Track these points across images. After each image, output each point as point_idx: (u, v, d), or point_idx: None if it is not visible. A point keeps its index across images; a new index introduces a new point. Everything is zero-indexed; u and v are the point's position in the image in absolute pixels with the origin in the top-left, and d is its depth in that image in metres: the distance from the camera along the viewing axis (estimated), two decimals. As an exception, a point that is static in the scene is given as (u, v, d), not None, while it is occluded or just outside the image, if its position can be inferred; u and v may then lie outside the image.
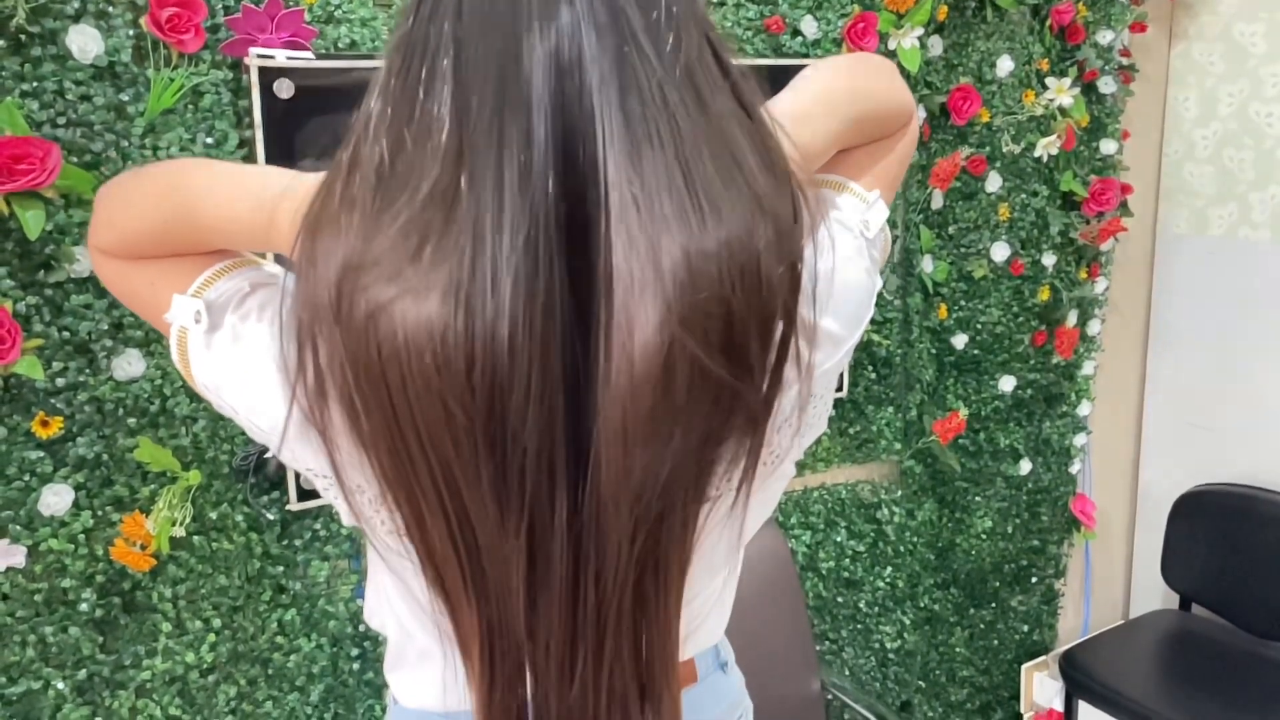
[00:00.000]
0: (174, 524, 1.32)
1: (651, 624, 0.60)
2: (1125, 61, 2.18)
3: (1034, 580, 2.35)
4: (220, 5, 1.29)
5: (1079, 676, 2.16)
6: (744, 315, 0.54)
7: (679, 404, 0.53)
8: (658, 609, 0.60)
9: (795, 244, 0.57)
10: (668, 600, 0.61)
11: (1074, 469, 2.35)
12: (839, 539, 2.03)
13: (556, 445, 0.54)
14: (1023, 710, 2.38)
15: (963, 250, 2.05)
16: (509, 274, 0.51)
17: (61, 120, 1.21)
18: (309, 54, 1.33)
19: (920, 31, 1.80)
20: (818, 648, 2.01)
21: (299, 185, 0.65)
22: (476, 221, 0.52)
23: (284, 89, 1.32)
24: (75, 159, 1.22)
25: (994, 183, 2.03)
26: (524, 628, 0.59)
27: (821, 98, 0.71)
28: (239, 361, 0.68)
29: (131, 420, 1.30)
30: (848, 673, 2.09)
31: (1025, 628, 2.37)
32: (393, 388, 0.53)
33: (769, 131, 0.60)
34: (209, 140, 1.31)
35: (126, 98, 1.25)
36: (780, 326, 0.57)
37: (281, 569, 1.45)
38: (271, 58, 1.30)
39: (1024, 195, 2.09)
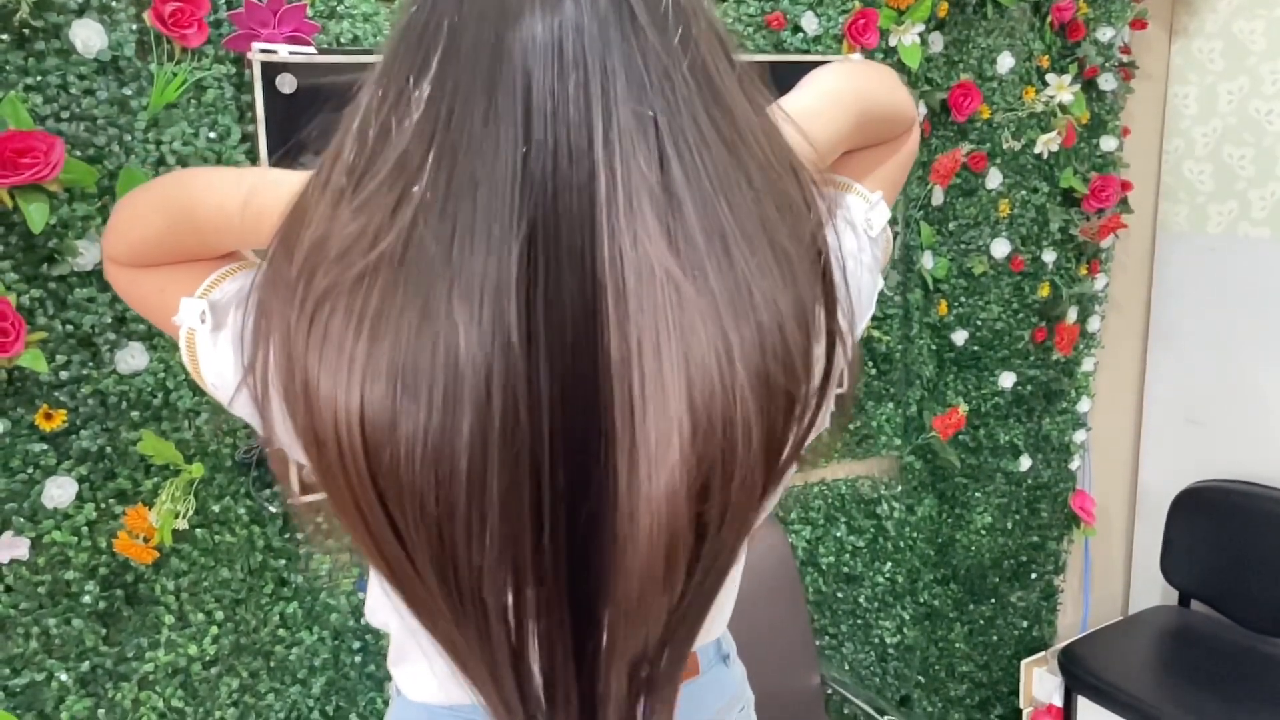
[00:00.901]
0: (176, 517, 1.32)
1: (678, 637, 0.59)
2: (1125, 58, 2.18)
3: (1033, 576, 2.35)
4: (223, 0, 1.30)
5: (1078, 672, 2.16)
6: (786, 327, 0.51)
7: (737, 456, 0.49)
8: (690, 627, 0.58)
9: (820, 238, 0.56)
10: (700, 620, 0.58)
11: (1073, 465, 2.36)
12: (839, 534, 2.03)
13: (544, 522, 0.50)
14: (1022, 705, 2.39)
15: (963, 246, 2.06)
16: (516, 293, 0.49)
17: (65, 114, 1.22)
18: (311, 49, 1.33)
19: (921, 28, 1.81)
20: (817, 642, 2.01)
21: (290, 178, 0.66)
22: (441, 207, 0.50)
23: (286, 84, 1.32)
24: (79, 153, 1.23)
25: (994, 179, 2.03)
26: (512, 651, 0.55)
27: (828, 98, 0.72)
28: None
29: (135, 413, 1.31)
30: (847, 667, 2.09)
31: (1025, 623, 2.38)
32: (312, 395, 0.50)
33: (775, 127, 0.60)
34: (212, 135, 1.31)
35: (130, 92, 1.26)
36: (824, 329, 0.55)
37: (283, 562, 1.45)
38: (274, 53, 1.31)
39: (1024, 192, 2.09)
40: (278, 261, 0.55)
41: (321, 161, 0.57)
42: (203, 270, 0.73)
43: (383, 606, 0.84)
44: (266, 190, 0.66)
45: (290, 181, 0.65)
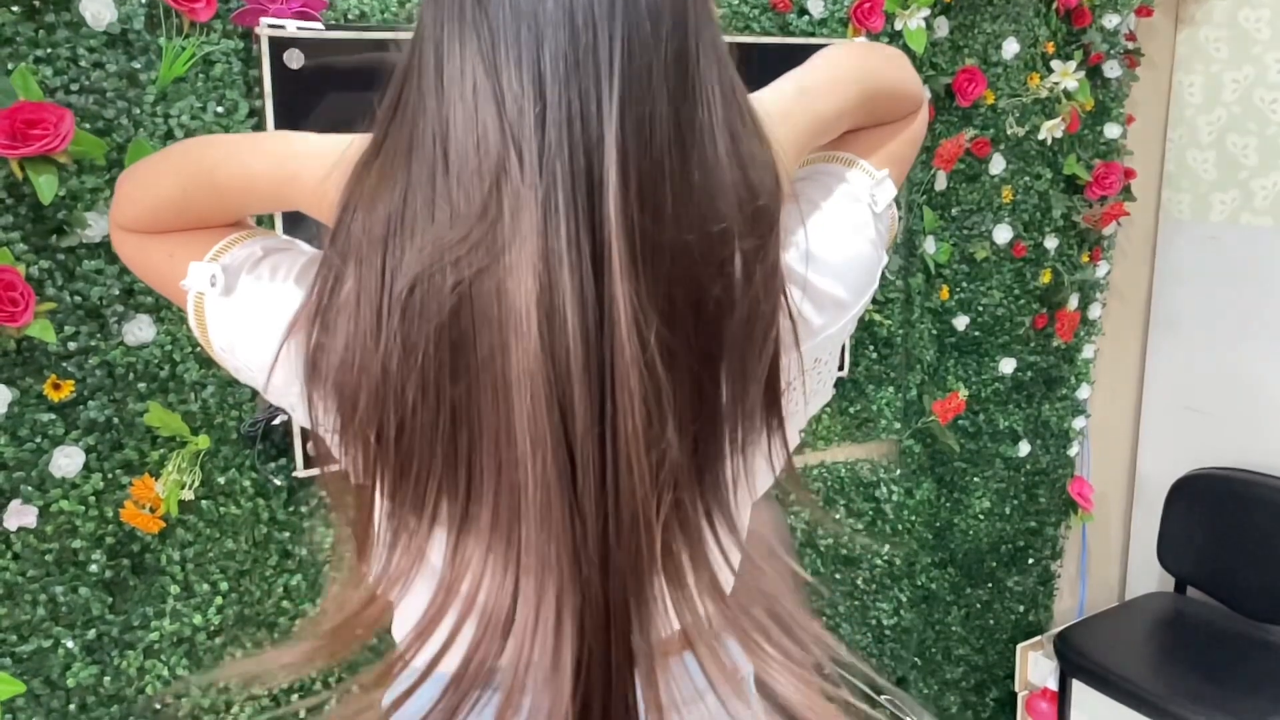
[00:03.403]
0: (182, 488, 1.34)
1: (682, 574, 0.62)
2: (1131, 46, 2.19)
3: (1030, 561, 2.37)
4: (232, -25, 1.31)
5: (1073, 656, 2.18)
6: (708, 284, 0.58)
7: (663, 385, 0.56)
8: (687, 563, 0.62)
9: (771, 242, 0.61)
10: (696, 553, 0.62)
11: (1072, 451, 2.37)
12: (838, 516, 2.05)
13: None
14: (1017, 689, 2.41)
15: (965, 232, 2.06)
16: (539, 254, 0.53)
17: (74, 87, 1.23)
18: (319, 25, 1.34)
19: (926, 12, 1.81)
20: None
21: (316, 143, 0.68)
22: (517, 189, 0.54)
23: (294, 59, 1.33)
24: (88, 125, 1.23)
25: (997, 165, 2.04)
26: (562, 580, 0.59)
27: (834, 73, 0.74)
28: (253, 320, 0.71)
29: (142, 385, 1.32)
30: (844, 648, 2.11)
31: (1021, 608, 2.39)
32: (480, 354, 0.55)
33: (753, 118, 0.63)
34: (219, 109, 1.32)
35: (139, 65, 1.26)
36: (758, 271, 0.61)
37: (287, 534, 1.47)
38: (282, 28, 1.31)
39: (1027, 178, 2.10)
40: (356, 238, 0.59)
41: (386, 140, 0.60)
42: (211, 236, 0.74)
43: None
44: (298, 158, 0.68)
45: (322, 149, 0.67)
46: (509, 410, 0.55)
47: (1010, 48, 1.99)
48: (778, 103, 0.70)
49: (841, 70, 0.74)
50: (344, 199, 0.60)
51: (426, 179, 0.56)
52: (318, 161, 0.66)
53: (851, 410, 2.03)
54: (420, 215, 0.56)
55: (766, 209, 0.61)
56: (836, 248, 0.72)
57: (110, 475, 1.32)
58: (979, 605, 2.32)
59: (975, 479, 2.22)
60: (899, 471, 2.11)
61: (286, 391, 0.68)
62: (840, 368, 1.97)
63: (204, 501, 1.39)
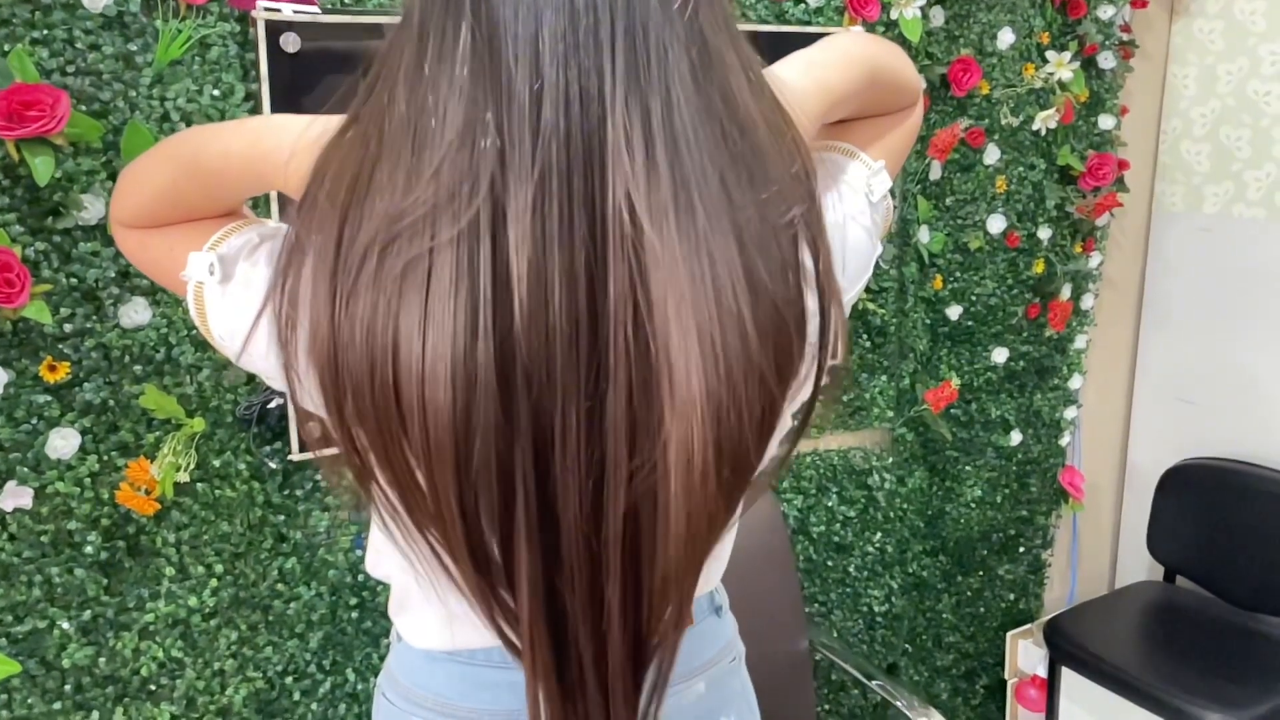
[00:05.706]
0: (178, 470, 1.34)
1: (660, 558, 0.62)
2: (1125, 37, 2.19)
3: (1021, 550, 2.39)
4: (228, -42, 1.30)
5: (1063, 644, 2.19)
6: (771, 296, 0.56)
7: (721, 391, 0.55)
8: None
9: (814, 207, 0.60)
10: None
11: (1063, 441, 2.38)
12: (830, 504, 2.06)
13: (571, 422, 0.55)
14: (1007, 676, 2.42)
15: (959, 222, 2.07)
16: (528, 232, 0.52)
17: (71, 69, 1.23)
18: (315, 8, 1.34)
19: (922, 1, 1.81)
20: (807, 609, 2.04)
21: (292, 122, 0.68)
22: (496, 165, 0.53)
23: (290, 43, 1.33)
24: (84, 107, 1.24)
25: (992, 155, 2.05)
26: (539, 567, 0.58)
27: (839, 53, 0.74)
28: (250, 306, 0.71)
29: (137, 367, 1.32)
30: (836, 634, 2.13)
31: (1011, 596, 2.41)
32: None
33: (770, 91, 0.62)
34: (215, 92, 1.32)
35: (135, 48, 1.26)
36: (816, 294, 0.61)
37: (283, 518, 1.47)
38: (278, 11, 1.31)
39: (1021, 168, 2.11)
40: (321, 208, 0.58)
41: (366, 112, 0.59)
42: (209, 227, 0.74)
43: (385, 557, 0.86)
44: (270, 135, 0.68)
45: (292, 125, 0.67)
46: (493, 385, 0.53)
47: (1005, 38, 1.99)
48: (790, 75, 0.70)
49: (850, 53, 0.75)
50: (314, 169, 0.60)
51: (394, 148, 0.56)
52: (290, 137, 0.66)
53: (845, 398, 2.04)
54: (384, 183, 0.55)
55: (805, 174, 0.60)
56: (832, 235, 0.72)
57: (106, 457, 1.32)
58: (970, 593, 2.34)
59: (967, 468, 2.23)
60: (891, 460, 2.13)
61: (281, 374, 0.68)
62: (833, 355, 1.97)
63: (199, 484, 1.39)
